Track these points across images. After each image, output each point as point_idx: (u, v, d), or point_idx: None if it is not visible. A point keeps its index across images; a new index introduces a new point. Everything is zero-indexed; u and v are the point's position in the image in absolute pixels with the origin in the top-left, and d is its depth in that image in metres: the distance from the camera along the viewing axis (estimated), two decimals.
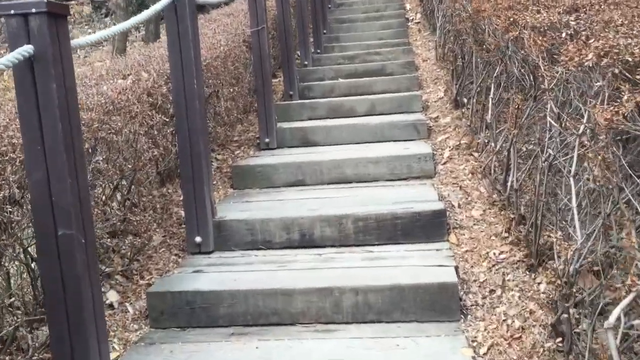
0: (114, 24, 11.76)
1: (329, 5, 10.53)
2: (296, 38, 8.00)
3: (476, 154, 4.58)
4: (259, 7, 5.29)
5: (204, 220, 3.62)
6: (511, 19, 3.66)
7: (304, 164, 4.61)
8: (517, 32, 3.40)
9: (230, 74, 5.01)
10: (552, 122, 2.71)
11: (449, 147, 4.91)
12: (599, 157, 2.04)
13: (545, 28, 3.05)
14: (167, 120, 3.76)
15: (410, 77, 6.72)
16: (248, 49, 5.69)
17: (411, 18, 10.14)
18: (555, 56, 2.96)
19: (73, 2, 15.85)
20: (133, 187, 3.59)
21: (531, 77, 3.41)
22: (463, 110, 5.59)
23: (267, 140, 5.40)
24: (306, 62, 7.67)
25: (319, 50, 8.59)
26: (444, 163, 4.63)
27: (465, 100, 5.69)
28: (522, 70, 3.50)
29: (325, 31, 9.39)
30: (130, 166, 3.30)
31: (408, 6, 10.65)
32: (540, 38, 2.98)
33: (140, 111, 3.32)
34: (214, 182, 4.75)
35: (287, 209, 3.96)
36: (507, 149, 3.58)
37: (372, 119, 5.66)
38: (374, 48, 8.31)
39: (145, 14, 3.30)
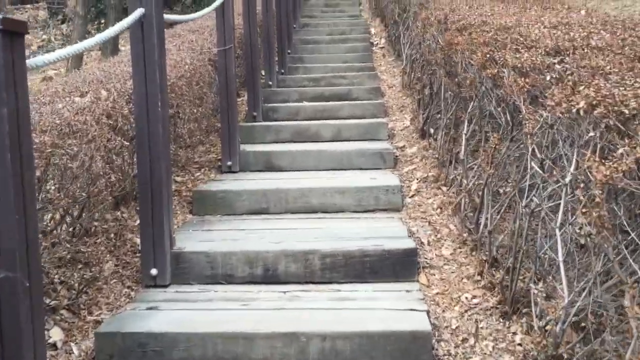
0: (70, 32, 11.35)
1: (294, 26, 10.39)
2: (261, 58, 7.82)
3: (444, 188, 4.46)
4: (227, 26, 5.09)
5: (162, 252, 3.36)
6: (488, 56, 3.57)
7: (269, 192, 4.40)
8: (496, 70, 3.29)
9: (194, 94, 4.77)
10: (536, 168, 2.59)
11: (417, 179, 4.79)
12: (594, 214, 1.91)
13: (528, 69, 2.94)
14: (127, 143, 3.50)
15: (376, 103, 6.60)
16: (213, 68, 5.47)
17: (376, 43, 10.09)
18: (538, 99, 2.85)
19: (29, 5, 15.31)
20: (85, 213, 3.31)
21: (508, 117, 3.30)
22: (430, 140, 5.49)
23: (229, 163, 5.17)
24: (271, 83, 7.48)
25: (283, 71, 8.42)
26: (412, 196, 4.50)
27: (432, 130, 5.60)
28: (499, 108, 3.39)
29: (289, 51, 9.23)
30: (84, 193, 3.03)
31: (373, 31, 10.61)
32: (522, 79, 2.88)
33: (98, 134, 3.06)
34: (172, 207, 4.49)
35: (250, 240, 3.74)
36: (480, 188, 3.46)
37: (339, 146, 5.50)
38: (340, 71, 8.20)
39: (110, 31, 3.05)
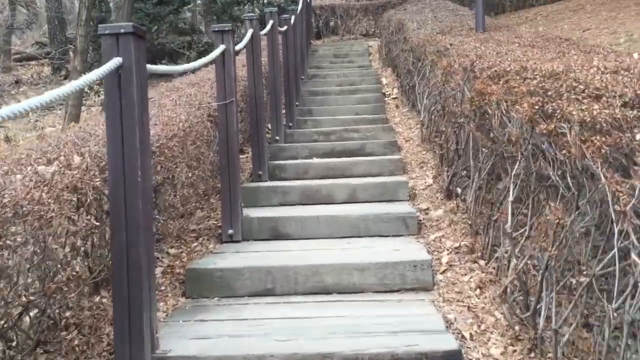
0: None
1: (302, 77, 9.90)
2: (267, 110, 7.26)
3: (482, 262, 3.76)
4: (227, 78, 4.50)
5: (140, 358, 2.66)
6: (537, 107, 2.93)
7: (275, 269, 3.71)
8: (552, 126, 2.65)
9: (190, 156, 4.15)
10: (636, 259, 1.90)
11: (447, 249, 4.09)
12: None
13: (603, 125, 2.30)
14: (97, 223, 2.84)
15: (393, 159, 5.96)
16: (213, 124, 4.87)
17: (388, 93, 9.55)
18: (619, 162, 2.20)
19: (33, 62, 15.01)
20: (49, 308, 2.64)
21: (571, 183, 2.64)
22: (457, 201, 4.82)
23: (230, 231, 4.51)
24: (277, 138, 6.89)
25: (291, 124, 7.86)
26: (443, 271, 3.79)
27: (459, 190, 4.93)
28: (558, 172, 2.73)
29: (298, 103, 8.70)
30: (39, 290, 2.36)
31: (384, 81, 10.09)
32: (597, 137, 2.22)
33: (57, 214, 2.42)
34: (163, 288, 3.81)
35: (253, 337, 3.02)
36: (536, 270, 2.77)
37: (353, 209, 4.84)
38: (351, 124, 7.61)
39: (75, 83, 2.44)
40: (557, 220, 2.49)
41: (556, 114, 2.70)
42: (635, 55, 3.97)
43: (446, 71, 5.31)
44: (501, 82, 3.78)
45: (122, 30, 2.63)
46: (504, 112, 3.55)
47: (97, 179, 2.79)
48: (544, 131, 2.71)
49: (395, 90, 9.56)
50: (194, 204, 4.35)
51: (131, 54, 2.64)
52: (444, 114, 5.57)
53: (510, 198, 3.10)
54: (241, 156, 6.47)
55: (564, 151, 2.50)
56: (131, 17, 10.09)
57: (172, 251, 4.33)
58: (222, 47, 4.45)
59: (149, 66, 2.85)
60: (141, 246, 2.60)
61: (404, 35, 9.48)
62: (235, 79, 4.56)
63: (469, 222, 4.23)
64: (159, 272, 3.98)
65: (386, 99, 9.28)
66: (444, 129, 5.18)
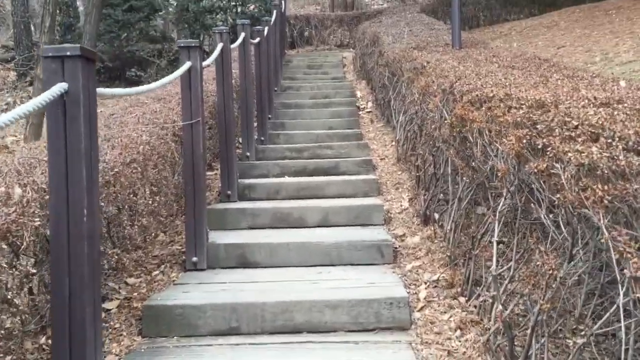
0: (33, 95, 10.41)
1: (275, 89, 9.61)
2: (238, 125, 6.96)
3: (462, 299, 3.51)
4: (194, 96, 4.19)
5: None
6: (525, 142, 2.69)
7: (241, 307, 3.40)
8: (544, 165, 2.41)
9: (151, 181, 3.83)
10: None
11: (424, 282, 3.83)
12: None
13: (606, 172, 2.06)
14: (34, 270, 2.51)
15: (367, 179, 5.69)
16: (178, 144, 4.55)
17: (362, 106, 9.32)
18: (623, 213, 1.95)
19: None
20: None
21: (565, 229, 2.39)
22: (434, 228, 4.57)
23: (194, 259, 4.19)
24: (248, 154, 6.58)
25: (263, 139, 7.56)
26: (421, 308, 3.53)
27: (436, 215, 4.69)
28: (550, 215, 2.49)
29: (270, 116, 8.40)
30: None
31: (359, 94, 9.85)
32: (599, 186, 1.98)
33: None
34: (117, 325, 3.47)
35: None
36: (524, 321, 2.52)
37: (326, 234, 4.56)
38: (325, 139, 7.35)
39: (10, 114, 2.12)
40: (550, 271, 2.24)
41: (547, 152, 2.46)
42: (622, 83, 3.77)
43: (424, 91, 5.08)
44: (483, 108, 3.54)
45: (68, 53, 2.31)
46: (487, 142, 3.31)
47: (37, 219, 2.46)
48: (535, 170, 2.47)
49: (370, 104, 9.33)
50: (153, 234, 4.02)
51: (79, 79, 2.33)
52: (420, 134, 5.33)
53: (495, 237, 2.85)
54: (210, 173, 6.17)
55: (558, 195, 2.25)
56: (99, 23, 9.71)
57: (130, 281, 4.00)
58: (187, 65, 4.15)
59: (100, 90, 2.54)
60: (85, 296, 2.28)
61: (379, 48, 9.26)
62: (202, 98, 4.25)
63: (448, 253, 3.98)
64: (115, 305, 3.64)
65: (361, 112, 9.05)
66: (420, 152, 4.94)
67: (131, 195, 3.33)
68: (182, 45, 4.24)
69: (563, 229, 2.35)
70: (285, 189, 5.59)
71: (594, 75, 4.45)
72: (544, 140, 2.54)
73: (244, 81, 6.57)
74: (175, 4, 11.96)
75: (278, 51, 9.93)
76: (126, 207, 3.36)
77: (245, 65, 6.57)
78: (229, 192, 5.45)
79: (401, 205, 5.18)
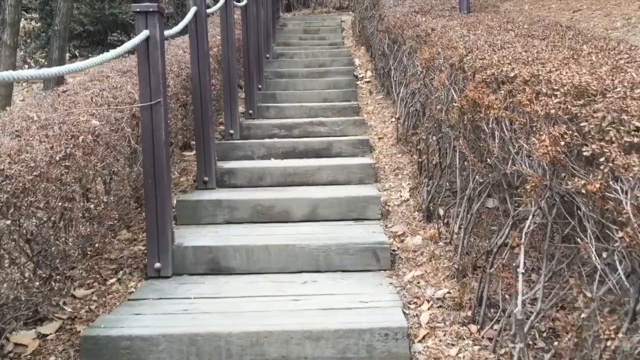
0: None
1: (267, 55, 8.83)
2: (219, 101, 6.24)
3: (473, 327, 2.85)
4: (153, 71, 3.47)
5: None
6: (563, 144, 2.00)
7: (202, 338, 2.75)
8: (598, 185, 1.72)
9: (95, 178, 3.13)
10: None
11: (427, 299, 3.17)
12: None
13: None
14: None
15: (363, 163, 4.98)
16: (138, 128, 3.85)
17: (361, 76, 8.56)
18: None
19: None
20: None
21: (632, 281, 1.71)
22: (438, 226, 3.90)
23: (157, 265, 3.53)
24: (232, 131, 5.87)
25: (250, 112, 6.85)
26: (423, 338, 2.87)
27: (441, 211, 4.02)
28: (604, 252, 1.80)
29: (260, 86, 7.67)
30: None
31: (357, 62, 9.07)
32: None
33: None
34: (52, 359, 2.83)
35: None
36: None
37: (313, 234, 3.90)
38: (318, 114, 6.66)
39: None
40: (607, 336, 1.58)
41: (600, 165, 1.76)
42: None
43: (428, 65, 4.34)
44: (502, 91, 2.83)
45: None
46: (507, 137, 2.61)
47: None
48: (581, 189, 1.78)
49: (369, 73, 8.57)
50: (101, 243, 3.35)
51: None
52: (423, 114, 4.62)
53: (521, 268, 2.18)
54: (189, 153, 5.49)
55: (619, 234, 1.57)
56: None
57: (79, 293, 3.35)
58: (144, 34, 3.42)
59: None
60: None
61: (379, 12, 8.44)
62: (163, 74, 3.54)
63: (455, 264, 3.31)
64: (54, 329, 3.00)
65: (359, 82, 8.29)
66: (423, 135, 4.23)
67: (61, 199, 2.64)
68: (137, 10, 3.49)
69: (622, 276, 1.67)
70: (270, 175, 4.90)
71: (631, 47, 3.70)
72: (594, 146, 1.83)
73: (226, 50, 5.82)
74: None
75: (270, 14, 9.10)
76: (56, 216, 2.67)
77: (228, 31, 5.81)
78: (205, 178, 4.77)
79: (401, 196, 4.50)
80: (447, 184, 3.99)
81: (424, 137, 4.14)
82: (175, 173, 5.11)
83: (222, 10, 5.77)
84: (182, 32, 5.21)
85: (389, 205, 4.36)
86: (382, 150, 5.44)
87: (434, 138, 4.06)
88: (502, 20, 5.44)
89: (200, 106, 4.69)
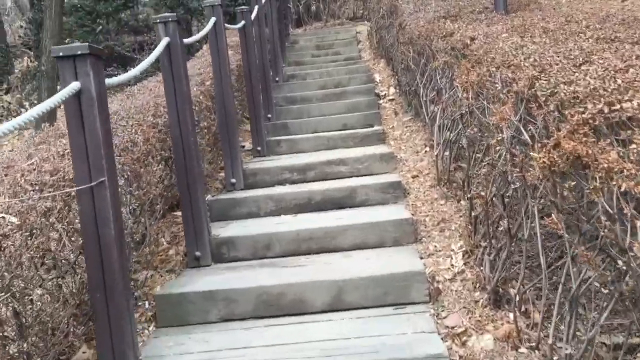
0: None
1: (276, 79, 7.74)
2: (213, 147, 5.16)
3: None
4: (90, 139, 2.37)
5: None
6: None
7: None
8: None
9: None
10: None
11: None
12: None
13: None
14: None
15: (398, 219, 3.76)
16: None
17: (383, 94, 7.39)
18: None
19: None
20: None
21: None
22: (514, 317, 2.71)
23: None
24: (234, 180, 4.77)
25: (259, 148, 5.78)
26: None
27: (513, 292, 2.83)
28: None
29: (269, 116, 6.60)
30: None
31: (377, 77, 7.90)
32: None
33: None
34: None
35: None
36: None
37: (338, 336, 2.76)
38: (337, 144, 5.60)
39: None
40: None
41: None
42: None
43: (475, 89, 3.16)
44: (636, 147, 1.65)
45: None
46: None
47: None
48: None
49: (392, 90, 7.40)
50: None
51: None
52: (472, 156, 3.44)
53: None
54: (179, 213, 4.38)
55: None
56: (61, 17, 7.92)
57: None
58: (73, 87, 2.32)
59: None
60: None
61: (398, 20, 7.27)
62: (107, 141, 2.43)
63: None
64: None
65: (381, 101, 7.14)
66: (482, 191, 3.02)
67: None
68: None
69: None
70: (279, 242, 3.76)
71: None
72: None
73: (219, 83, 4.72)
74: None
75: (277, 33, 8.01)
76: None
77: (220, 61, 4.71)
78: (197, 253, 3.66)
79: (452, 265, 3.31)
80: (521, 261, 2.81)
81: (482, 195, 2.94)
82: (164, 243, 4.02)
83: (211, 37, 4.69)
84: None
85: (438, 281, 3.18)
86: (419, 194, 4.25)
87: (496, 190, 2.88)
88: (559, 20, 4.23)
89: (183, 163, 3.59)
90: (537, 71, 2.57)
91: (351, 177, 4.80)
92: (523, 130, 2.41)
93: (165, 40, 3.51)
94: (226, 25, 5.02)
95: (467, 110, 3.50)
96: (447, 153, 4.22)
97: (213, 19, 4.64)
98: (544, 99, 2.33)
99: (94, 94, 2.35)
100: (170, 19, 3.53)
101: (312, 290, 3.13)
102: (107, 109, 2.48)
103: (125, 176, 3.03)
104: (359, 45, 9.99)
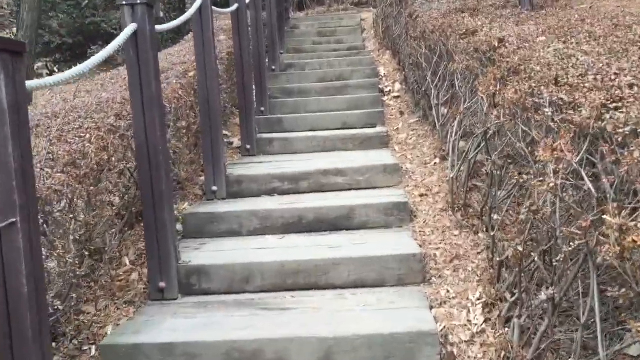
0: None
1: (273, 67, 7.05)
2: (195, 146, 4.50)
3: None
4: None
5: None
6: None
7: None
8: None
9: None
10: None
11: None
12: None
13: None
14: None
15: (404, 254, 3.09)
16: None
17: (387, 89, 6.72)
18: None
19: None
20: None
21: None
22: None
23: None
24: (215, 188, 4.11)
25: (248, 147, 5.15)
26: None
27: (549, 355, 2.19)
28: None
29: (263, 109, 5.94)
30: None
31: (383, 71, 7.22)
32: None
33: None
34: None
35: None
36: None
37: None
38: (335, 146, 5.00)
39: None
40: None
41: None
42: None
43: (512, 110, 2.50)
44: None
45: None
46: None
47: None
48: None
49: (398, 86, 6.72)
50: None
51: None
52: (500, 180, 2.79)
53: None
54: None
55: None
56: None
57: None
58: (133, 27, 1.75)
59: None
60: None
61: (408, 10, 6.57)
62: (23, 170, 1.77)
63: None
64: None
65: (385, 98, 6.47)
66: (520, 247, 2.36)
67: None
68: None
69: None
70: (261, 274, 3.10)
71: None
72: None
73: (203, 76, 4.05)
74: None
75: (275, 17, 7.28)
76: None
77: (205, 50, 4.03)
78: (161, 284, 3.02)
79: (469, 321, 2.67)
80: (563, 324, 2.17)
81: (520, 251, 2.29)
82: (126, 263, 3.38)
83: (196, 23, 4.00)
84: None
85: (452, 343, 2.55)
86: (428, 219, 3.60)
87: (534, 241, 2.23)
88: (603, 23, 3.55)
89: (148, 175, 2.93)
90: (603, 96, 1.91)
91: (350, 189, 4.16)
92: (586, 180, 1.76)
93: (131, 27, 2.83)
94: (215, 9, 4.33)
95: (495, 130, 2.84)
96: (462, 171, 3.56)
97: (199, 2, 3.94)
98: (620, 138, 1.67)
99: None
100: (138, 1, 2.86)
101: (296, 350, 2.49)
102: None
103: (66, 200, 2.37)
104: (364, 34, 9.27)
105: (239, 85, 5.20)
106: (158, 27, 3.22)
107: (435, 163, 4.42)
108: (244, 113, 5.18)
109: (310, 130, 5.56)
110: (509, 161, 2.62)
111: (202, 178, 4.37)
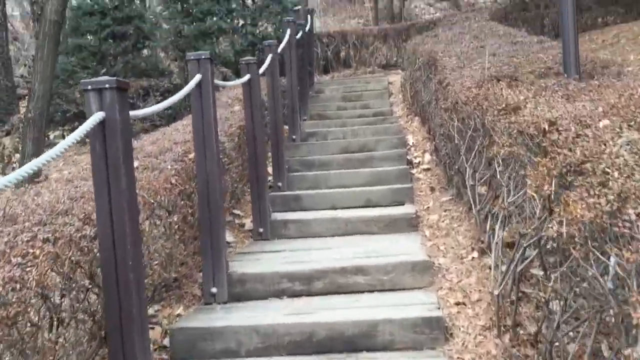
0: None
1: (293, 137, 6.53)
2: (193, 240, 3.89)
3: None
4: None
5: None
6: None
7: None
8: None
9: None
10: None
11: None
12: None
13: None
14: None
15: None
16: None
17: (417, 161, 6.10)
18: None
19: None
20: None
21: None
22: None
23: None
24: (214, 290, 3.49)
25: (260, 230, 4.58)
26: None
27: None
28: None
29: (280, 184, 5.38)
30: None
31: (411, 139, 6.62)
32: None
33: None
34: None
35: None
36: None
37: None
38: (357, 229, 4.51)
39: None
40: None
41: None
42: None
43: (583, 233, 1.83)
44: None
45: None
46: None
47: None
48: None
49: (428, 157, 6.10)
50: None
51: None
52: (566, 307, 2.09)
53: None
54: None
55: None
56: (56, 58, 6.89)
57: None
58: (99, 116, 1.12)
59: None
60: None
61: (438, 76, 6.00)
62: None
63: None
64: None
65: (414, 171, 5.85)
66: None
67: None
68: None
69: None
70: None
71: None
72: None
73: (202, 162, 3.49)
74: (165, 28, 8.99)
75: (295, 83, 6.79)
76: None
77: (205, 130, 3.48)
78: None
79: None
80: None
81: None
82: None
83: (195, 100, 3.47)
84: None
85: None
86: (467, 341, 2.88)
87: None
88: None
89: (116, 296, 2.33)
90: None
91: (372, 292, 3.50)
92: None
93: (97, 116, 2.29)
94: (220, 82, 3.83)
95: (553, 244, 2.16)
96: (508, 280, 2.86)
97: (197, 77, 3.42)
98: None
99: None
100: (107, 86, 2.33)
101: None
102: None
103: None
104: (391, 98, 8.74)
105: (251, 162, 4.66)
106: (140, 112, 2.69)
107: (472, 258, 3.73)
108: (255, 192, 4.62)
109: (331, 209, 4.98)
110: (583, 298, 1.93)
111: (200, 280, 3.75)
